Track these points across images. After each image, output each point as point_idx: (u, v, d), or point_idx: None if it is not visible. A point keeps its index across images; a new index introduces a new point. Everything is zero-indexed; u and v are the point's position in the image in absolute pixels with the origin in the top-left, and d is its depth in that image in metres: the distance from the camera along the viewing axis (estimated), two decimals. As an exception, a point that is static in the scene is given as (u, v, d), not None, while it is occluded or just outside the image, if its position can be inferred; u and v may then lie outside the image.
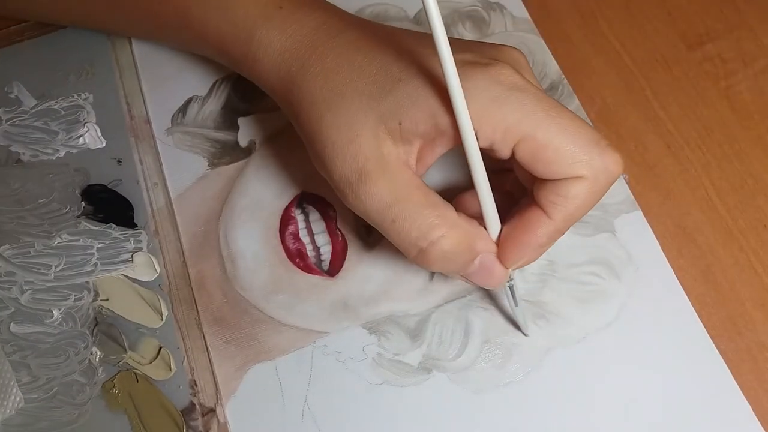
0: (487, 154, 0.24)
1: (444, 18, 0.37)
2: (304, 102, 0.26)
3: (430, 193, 0.24)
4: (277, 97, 0.28)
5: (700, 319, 0.30)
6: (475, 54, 0.24)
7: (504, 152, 0.23)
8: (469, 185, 0.24)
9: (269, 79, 0.28)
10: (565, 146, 0.22)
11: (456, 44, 0.25)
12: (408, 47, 0.25)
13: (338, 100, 0.25)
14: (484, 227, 0.25)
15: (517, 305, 0.28)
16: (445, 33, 0.20)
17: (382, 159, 0.24)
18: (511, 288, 0.27)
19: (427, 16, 0.20)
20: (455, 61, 0.23)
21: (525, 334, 0.30)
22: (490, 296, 0.31)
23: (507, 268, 0.25)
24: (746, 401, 0.28)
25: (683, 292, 0.30)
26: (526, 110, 0.22)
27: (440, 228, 0.23)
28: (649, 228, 0.32)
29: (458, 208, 0.25)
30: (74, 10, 0.34)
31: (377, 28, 0.28)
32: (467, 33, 0.36)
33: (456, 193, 0.28)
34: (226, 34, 0.28)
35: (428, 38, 0.26)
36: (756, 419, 0.28)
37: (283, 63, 0.27)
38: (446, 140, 0.24)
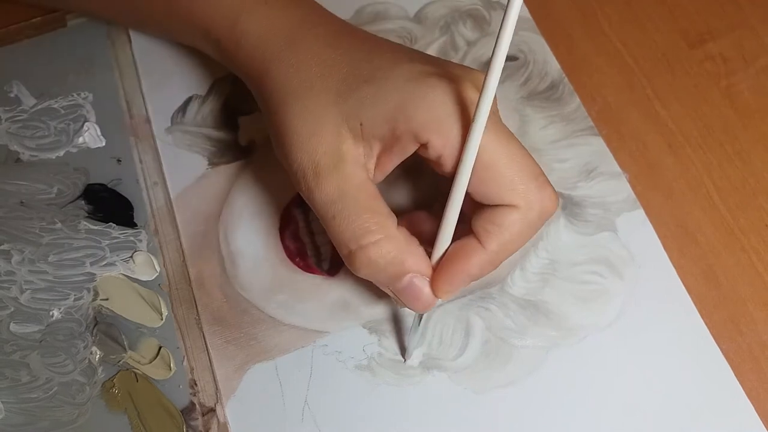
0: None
1: (444, 16, 0.37)
2: (275, 91, 0.26)
3: (377, 199, 0.24)
4: (252, 84, 0.29)
5: (702, 318, 0.30)
6: (440, 68, 0.25)
7: (448, 167, 0.23)
8: (423, 207, 0.24)
9: (245, 66, 0.28)
10: (506, 172, 0.23)
11: (422, 57, 0.26)
12: (380, 50, 0.26)
13: (307, 92, 0.25)
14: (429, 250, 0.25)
15: (416, 333, 0.28)
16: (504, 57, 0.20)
17: (339, 156, 0.24)
18: (420, 316, 0.27)
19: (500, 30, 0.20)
20: (418, 71, 0.24)
21: (404, 360, 0.29)
22: (491, 296, 0.31)
23: (437, 296, 0.25)
24: (748, 401, 0.28)
25: (685, 291, 0.30)
26: None
27: (374, 234, 0.23)
28: (651, 227, 0.32)
29: (407, 225, 0.25)
30: None
31: (354, 28, 0.28)
32: (468, 31, 0.36)
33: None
34: (211, 19, 0.29)
35: (401, 47, 0.27)
36: (758, 418, 0.28)
37: (258, 52, 0.27)
38: (400, 148, 0.24)
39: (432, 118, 0.23)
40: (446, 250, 0.25)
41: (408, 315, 0.30)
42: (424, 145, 0.24)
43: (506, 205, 0.23)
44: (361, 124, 0.24)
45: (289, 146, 0.25)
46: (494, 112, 0.24)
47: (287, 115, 0.25)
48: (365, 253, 0.24)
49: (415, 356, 0.29)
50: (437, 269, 0.25)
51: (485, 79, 0.21)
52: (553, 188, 0.24)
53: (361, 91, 0.24)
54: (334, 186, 0.24)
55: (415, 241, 0.24)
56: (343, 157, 0.24)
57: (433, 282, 0.25)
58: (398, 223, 0.24)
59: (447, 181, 0.23)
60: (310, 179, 0.24)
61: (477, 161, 0.22)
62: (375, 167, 0.25)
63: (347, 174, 0.24)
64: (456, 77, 0.24)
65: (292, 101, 0.25)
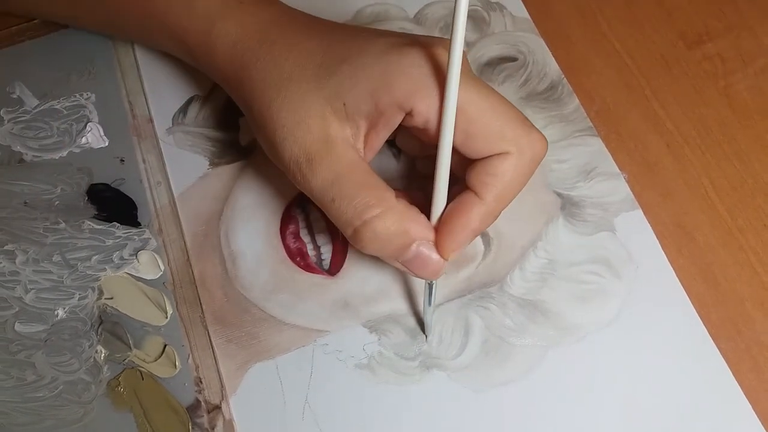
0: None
1: (444, 17, 0.37)
2: (256, 90, 0.27)
3: (372, 175, 0.25)
4: (231, 87, 0.29)
5: (700, 318, 0.30)
6: (410, 38, 0.25)
7: (435, 129, 0.24)
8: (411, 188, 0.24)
9: (224, 70, 0.29)
10: (493, 122, 0.23)
11: (392, 33, 0.26)
12: (353, 32, 0.26)
13: (287, 84, 0.26)
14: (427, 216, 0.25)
15: (430, 305, 0.28)
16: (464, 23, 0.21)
17: (328, 140, 0.24)
18: (431, 286, 0.27)
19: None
20: (391, 44, 0.24)
21: (426, 337, 0.30)
22: (490, 296, 0.31)
23: (444, 258, 0.25)
24: (746, 400, 0.29)
25: (683, 291, 0.30)
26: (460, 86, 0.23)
27: (375, 208, 0.24)
28: (649, 227, 0.32)
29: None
30: (39, 5, 0.35)
31: (325, 20, 0.29)
32: (467, 32, 0.36)
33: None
34: (187, 28, 0.29)
35: (371, 29, 0.27)
36: (756, 418, 0.28)
37: (236, 54, 0.28)
38: (385, 121, 0.24)
39: (413, 84, 0.23)
40: (444, 211, 0.25)
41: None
42: (409, 114, 0.24)
43: (498, 154, 0.24)
44: (344, 104, 0.24)
45: (279, 140, 0.25)
46: (468, 71, 0.24)
47: (271, 110, 0.26)
48: (370, 227, 0.24)
49: (431, 329, 0.30)
50: (439, 230, 0.25)
51: (452, 25, 0.21)
52: (540, 132, 0.24)
53: (340, 73, 0.25)
54: (329, 169, 0.24)
55: (415, 209, 0.25)
56: (333, 140, 0.24)
57: (438, 243, 0.25)
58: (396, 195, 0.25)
59: (427, 162, 0.24)
60: (304, 168, 0.25)
61: (462, 117, 0.23)
62: (364, 146, 0.25)
63: (339, 155, 0.24)
64: (427, 43, 0.24)
65: (274, 95, 0.26)
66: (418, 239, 0.24)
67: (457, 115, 0.23)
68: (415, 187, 0.31)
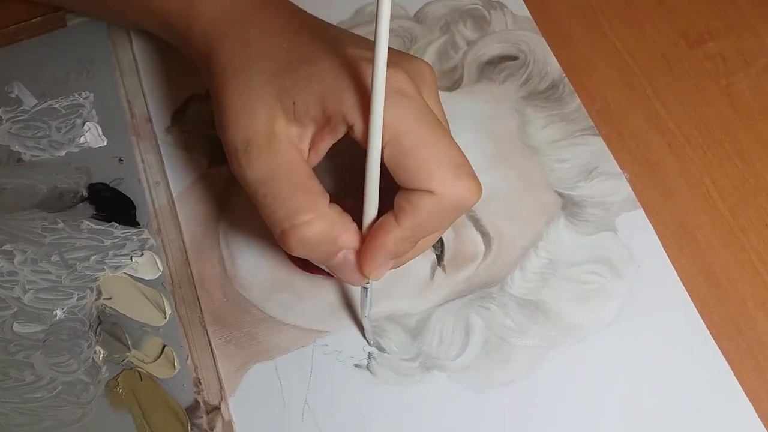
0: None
1: (444, 16, 0.37)
2: (218, 67, 0.27)
3: (310, 178, 0.24)
4: (202, 69, 0.29)
5: (702, 318, 0.30)
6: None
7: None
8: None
9: (197, 46, 0.28)
10: (425, 159, 0.23)
11: (367, 44, 0.25)
12: (326, 35, 0.26)
13: (247, 70, 0.25)
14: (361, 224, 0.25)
15: (365, 308, 0.28)
16: (387, 32, 0.20)
17: (272, 135, 0.24)
18: (366, 290, 0.27)
19: (377, 11, 0.20)
20: (356, 56, 0.24)
21: (369, 342, 0.30)
22: (490, 296, 0.31)
23: (363, 275, 0.25)
24: (748, 400, 0.28)
25: (685, 291, 0.30)
26: (400, 114, 0.23)
27: (307, 213, 0.23)
28: (651, 227, 0.32)
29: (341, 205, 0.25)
30: None
31: (306, 14, 0.29)
32: (468, 31, 0.36)
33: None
34: (168, 7, 0.29)
35: (349, 33, 0.27)
36: (758, 418, 0.28)
37: (209, 33, 0.28)
38: (331, 129, 0.24)
39: (358, 102, 0.23)
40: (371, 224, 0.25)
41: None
42: (351, 129, 0.24)
43: (422, 190, 0.23)
44: (294, 103, 0.24)
45: (225, 121, 0.25)
46: (418, 96, 0.24)
47: (225, 91, 0.26)
48: (298, 232, 0.23)
49: (370, 334, 0.30)
50: (361, 248, 0.24)
51: (374, 59, 0.20)
52: (476, 180, 0.23)
53: (299, 72, 0.24)
54: (266, 164, 0.24)
55: (347, 217, 0.24)
56: (276, 135, 0.24)
57: (358, 261, 0.25)
58: (330, 201, 0.24)
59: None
60: (241, 156, 0.24)
61: (397, 147, 0.22)
62: (309, 149, 0.25)
63: (279, 152, 0.24)
64: (392, 64, 0.23)
65: (231, 78, 0.26)
66: (346, 248, 0.24)
67: (392, 144, 0.22)
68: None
